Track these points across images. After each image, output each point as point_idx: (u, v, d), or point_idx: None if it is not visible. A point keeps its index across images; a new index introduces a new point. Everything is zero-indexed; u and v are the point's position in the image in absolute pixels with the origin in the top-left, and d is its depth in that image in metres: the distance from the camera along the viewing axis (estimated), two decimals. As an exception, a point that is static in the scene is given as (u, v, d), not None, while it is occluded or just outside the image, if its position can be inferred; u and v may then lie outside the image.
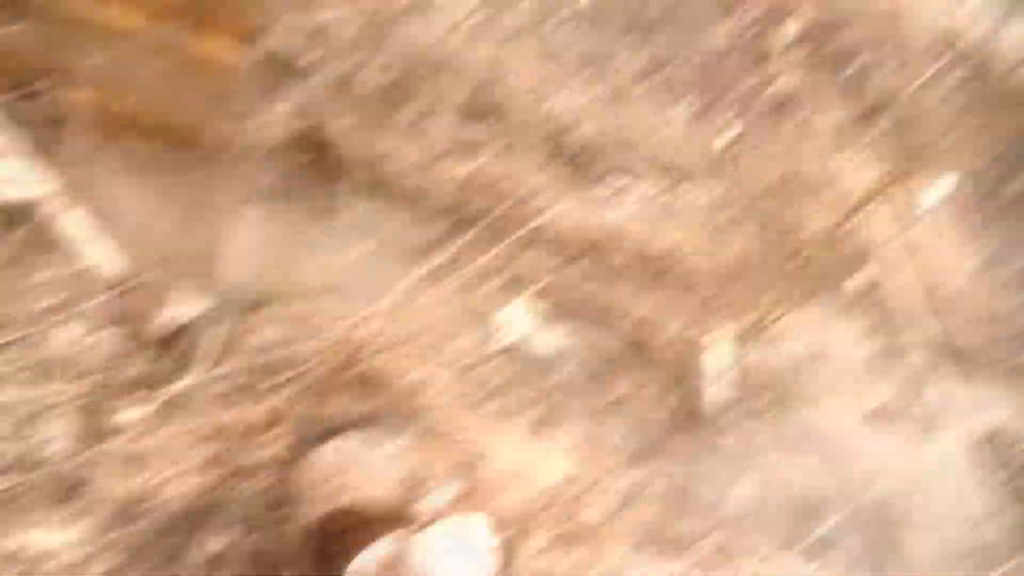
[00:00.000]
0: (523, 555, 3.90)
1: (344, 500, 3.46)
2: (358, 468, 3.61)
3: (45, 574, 3.28)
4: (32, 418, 3.78)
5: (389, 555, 3.33)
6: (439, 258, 4.83)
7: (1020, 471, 6.13)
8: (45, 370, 4.00)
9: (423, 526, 3.29)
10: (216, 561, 3.59)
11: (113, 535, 3.42)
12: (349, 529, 3.43)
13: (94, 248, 4.58)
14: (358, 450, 3.73)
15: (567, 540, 4.37)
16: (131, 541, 3.44)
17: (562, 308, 5.69)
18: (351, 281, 4.88)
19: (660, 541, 4.68)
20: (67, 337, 4.25)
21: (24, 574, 3.28)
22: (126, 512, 3.52)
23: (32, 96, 4.98)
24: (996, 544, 5.57)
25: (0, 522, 3.47)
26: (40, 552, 3.33)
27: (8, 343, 4.05)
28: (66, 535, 3.39)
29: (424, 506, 3.47)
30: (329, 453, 3.73)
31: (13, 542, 3.40)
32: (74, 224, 4.67)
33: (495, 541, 3.31)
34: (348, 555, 3.36)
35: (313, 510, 3.53)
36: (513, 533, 3.65)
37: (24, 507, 3.41)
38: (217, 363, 4.51)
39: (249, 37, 5.51)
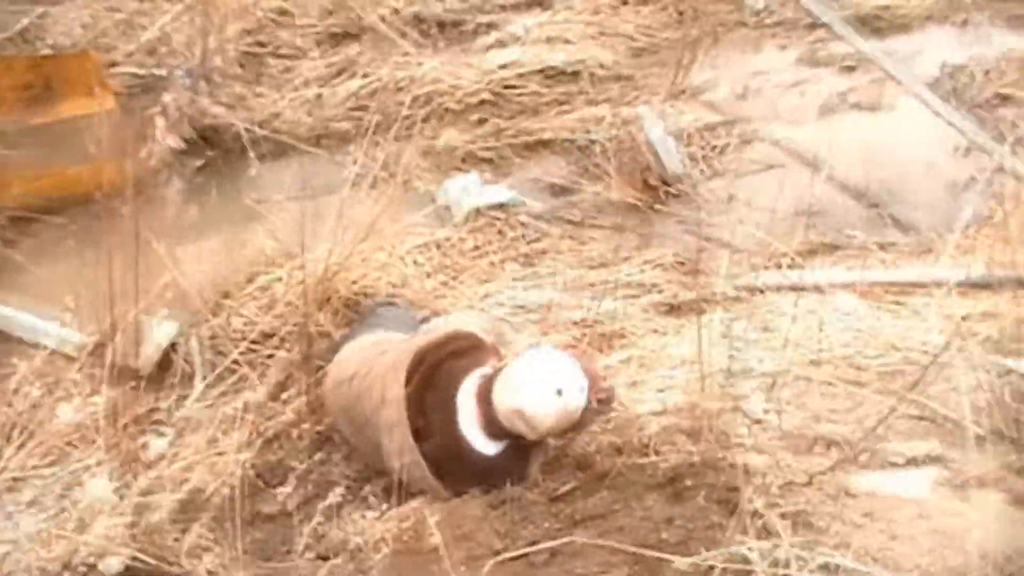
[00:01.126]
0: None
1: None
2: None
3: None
4: (70, 490, 3.81)
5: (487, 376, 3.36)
6: (359, 171, 4.81)
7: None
8: (62, 450, 4.04)
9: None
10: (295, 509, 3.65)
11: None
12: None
13: (50, 331, 4.59)
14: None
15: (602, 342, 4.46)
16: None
17: (496, 162, 5.62)
18: (293, 236, 4.87)
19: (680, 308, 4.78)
20: (67, 413, 4.29)
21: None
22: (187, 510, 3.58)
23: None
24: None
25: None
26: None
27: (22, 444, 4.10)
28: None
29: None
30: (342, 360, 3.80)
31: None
32: (21, 320, 4.71)
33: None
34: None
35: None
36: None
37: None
38: (211, 365, 4.57)
39: (101, 79, 5.50)
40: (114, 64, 5.90)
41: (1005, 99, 5.99)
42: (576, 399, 3.21)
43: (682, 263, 4.98)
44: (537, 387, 3.18)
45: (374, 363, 3.54)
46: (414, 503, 3.27)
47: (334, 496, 3.34)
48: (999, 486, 3.06)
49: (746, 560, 2.72)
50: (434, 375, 3.35)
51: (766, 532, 2.83)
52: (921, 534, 2.86)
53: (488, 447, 3.31)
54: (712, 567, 2.76)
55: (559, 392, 3.18)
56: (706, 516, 3.03)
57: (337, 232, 4.34)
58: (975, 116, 5.83)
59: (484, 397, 3.29)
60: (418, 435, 3.31)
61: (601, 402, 3.36)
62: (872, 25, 6.61)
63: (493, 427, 3.29)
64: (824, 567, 2.68)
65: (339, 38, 6.28)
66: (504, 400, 3.23)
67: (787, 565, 2.67)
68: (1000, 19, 6.73)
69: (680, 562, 2.78)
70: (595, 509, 3.14)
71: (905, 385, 3.61)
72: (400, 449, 3.30)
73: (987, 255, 4.61)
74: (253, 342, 4.45)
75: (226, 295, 4.73)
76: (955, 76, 6.19)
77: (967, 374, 3.53)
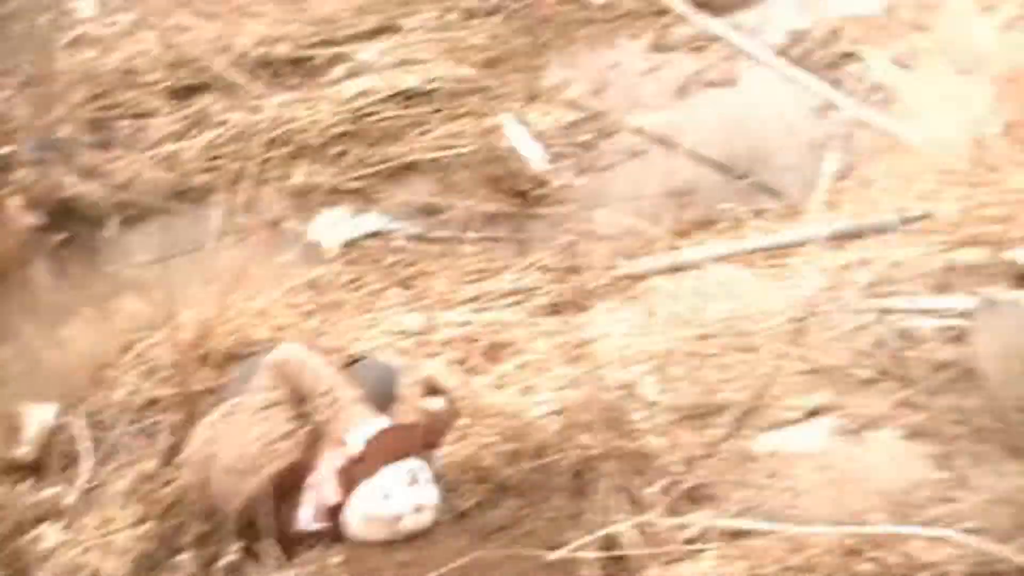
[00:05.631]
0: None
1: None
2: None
3: None
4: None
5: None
6: (224, 221, 4.71)
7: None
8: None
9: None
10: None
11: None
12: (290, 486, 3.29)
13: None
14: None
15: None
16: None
17: (364, 191, 5.51)
18: (165, 297, 4.72)
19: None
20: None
21: None
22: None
23: None
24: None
25: None
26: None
27: None
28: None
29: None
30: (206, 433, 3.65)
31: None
32: None
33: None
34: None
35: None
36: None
37: None
38: (97, 443, 4.38)
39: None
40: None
41: (850, 56, 6.05)
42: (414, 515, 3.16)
43: (562, 262, 4.94)
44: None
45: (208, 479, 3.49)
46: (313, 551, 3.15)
47: (232, 555, 3.20)
48: (893, 424, 3.06)
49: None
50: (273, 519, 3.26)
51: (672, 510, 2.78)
52: (822, 486, 2.85)
53: None
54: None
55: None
56: (616, 505, 2.98)
57: (209, 286, 4.20)
58: (826, 76, 5.87)
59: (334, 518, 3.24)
60: None
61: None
62: (716, 4, 6.64)
63: None
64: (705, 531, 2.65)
65: (189, 91, 6.10)
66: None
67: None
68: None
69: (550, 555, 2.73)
70: (502, 519, 3.07)
71: (796, 344, 3.61)
72: None
73: (856, 206, 4.66)
74: (138, 411, 4.30)
75: (105, 367, 4.56)
76: (802, 40, 6.25)
77: (847, 321, 3.54)
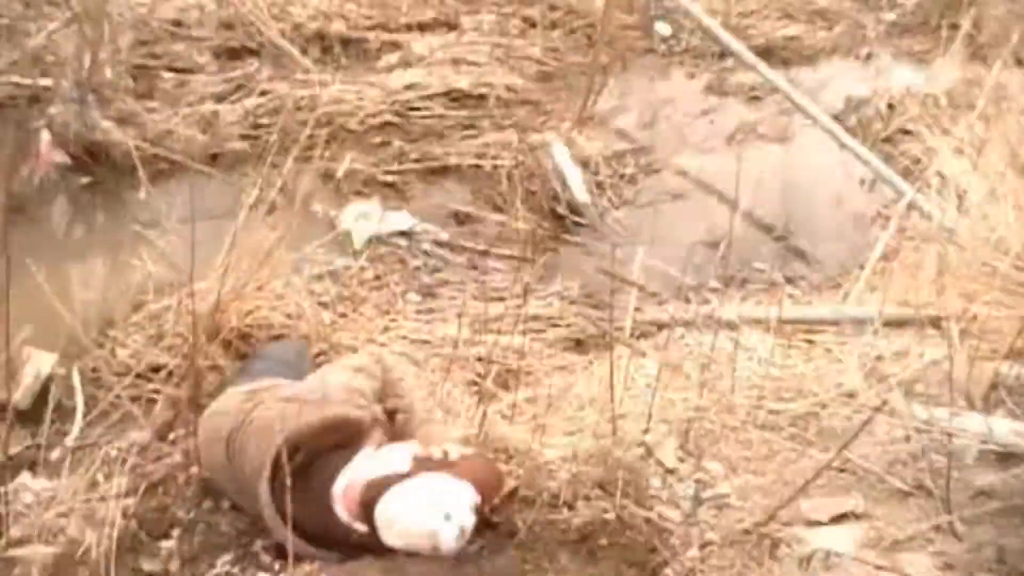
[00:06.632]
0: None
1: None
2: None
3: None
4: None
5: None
6: (255, 196, 4.56)
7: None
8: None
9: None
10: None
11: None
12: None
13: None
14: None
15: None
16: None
17: (398, 187, 5.39)
18: (183, 262, 4.56)
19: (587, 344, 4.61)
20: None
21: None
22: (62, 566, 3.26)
23: None
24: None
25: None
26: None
27: None
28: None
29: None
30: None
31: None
32: None
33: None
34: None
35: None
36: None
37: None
38: (92, 400, 4.25)
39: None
40: (-7, 78, 5.52)
41: (907, 134, 5.92)
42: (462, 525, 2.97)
43: (589, 296, 4.81)
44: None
45: (247, 421, 3.28)
46: (307, 567, 3.00)
47: (221, 565, 3.06)
48: (927, 549, 2.92)
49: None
50: (309, 468, 3.05)
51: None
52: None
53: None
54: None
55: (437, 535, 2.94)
56: (624, 579, 2.86)
57: (231, 259, 4.07)
58: (880, 150, 5.74)
59: (368, 506, 3.02)
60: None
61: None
62: (778, 56, 6.55)
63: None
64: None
65: (237, 53, 5.98)
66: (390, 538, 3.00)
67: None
68: (901, 54, 6.73)
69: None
70: (505, 569, 2.94)
71: (820, 432, 3.50)
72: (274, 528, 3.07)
73: (895, 292, 4.52)
74: (139, 376, 4.12)
75: (110, 324, 4.41)
76: (860, 109, 6.14)
77: (881, 422, 3.40)
